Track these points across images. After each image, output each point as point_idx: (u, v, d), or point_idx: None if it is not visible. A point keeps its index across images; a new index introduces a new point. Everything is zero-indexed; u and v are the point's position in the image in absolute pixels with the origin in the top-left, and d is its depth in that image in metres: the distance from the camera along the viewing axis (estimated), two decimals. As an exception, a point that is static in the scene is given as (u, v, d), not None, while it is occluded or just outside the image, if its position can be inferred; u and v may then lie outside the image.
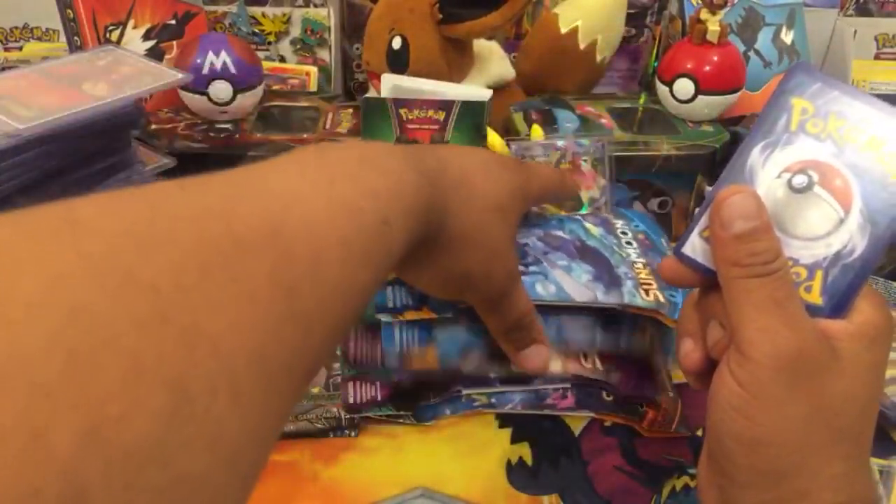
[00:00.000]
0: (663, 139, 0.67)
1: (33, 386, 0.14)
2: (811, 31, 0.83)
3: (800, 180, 0.30)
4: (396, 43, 0.68)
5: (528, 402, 0.48)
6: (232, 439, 0.18)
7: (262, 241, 0.20)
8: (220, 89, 0.68)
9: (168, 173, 0.58)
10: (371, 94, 0.73)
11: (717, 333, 0.32)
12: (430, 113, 0.63)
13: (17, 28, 0.88)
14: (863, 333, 0.29)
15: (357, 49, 0.86)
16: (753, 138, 0.31)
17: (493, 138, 0.62)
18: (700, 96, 0.69)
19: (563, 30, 0.74)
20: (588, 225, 0.49)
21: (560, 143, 0.59)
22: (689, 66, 0.70)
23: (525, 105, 0.72)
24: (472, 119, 0.63)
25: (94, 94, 0.51)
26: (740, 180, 0.31)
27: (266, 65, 0.80)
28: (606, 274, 0.44)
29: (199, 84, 0.68)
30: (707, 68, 0.69)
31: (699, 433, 0.48)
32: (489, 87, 0.70)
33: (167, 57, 0.75)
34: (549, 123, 0.68)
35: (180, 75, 0.56)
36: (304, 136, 0.68)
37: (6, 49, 0.87)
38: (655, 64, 0.88)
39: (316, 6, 0.86)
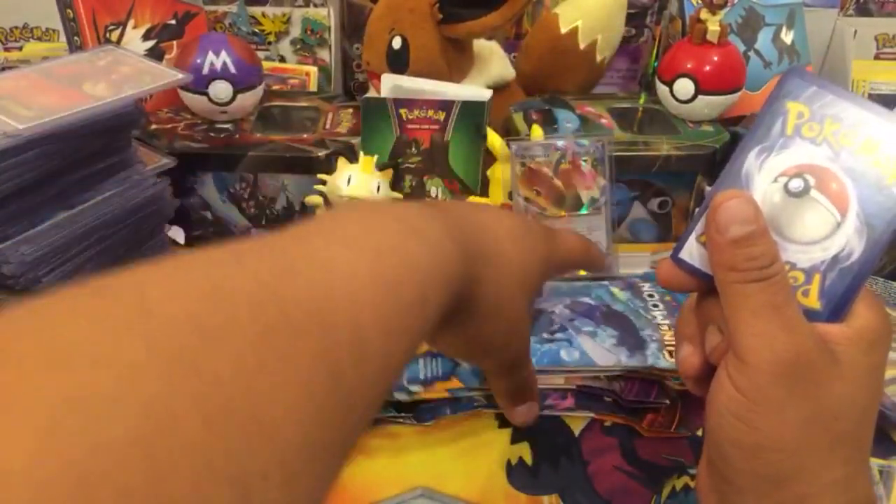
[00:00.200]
0: (663, 139, 0.67)
1: (119, 492, 0.14)
2: (811, 31, 0.82)
3: (796, 184, 0.30)
4: (396, 43, 0.68)
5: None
6: None
7: (310, 321, 0.20)
8: (220, 89, 0.68)
9: (168, 173, 0.58)
10: (371, 94, 0.73)
11: (716, 338, 0.32)
12: (431, 113, 0.63)
13: (17, 28, 0.88)
14: (861, 337, 0.29)
15: (357, 49, 0.86)
16: (749, 143, 0.31)
17: (493, 138, 0.62)
18: (700, 96, 0.69)
19: (564, 30, 0.74)
20: (615, 290, 0.52)
21: (560, 143, 0.59)
22: (689, 66, 0.69)
23: (525, 105, 0.72)
24: (472, 119, 0.63)
25: (95, 94, 0.51)
26: (737, 185, 0.31)
27: (266, 65, 0.80)
28: (631, 337, 0.47)
29: (199, 84, 0.68)
30: (707, 68, 0.69)
31: (699, 433, 0.48)
32: (489, 87, 0.70)
33: (167, 57, 0.75)
34: (549, 123, 0.68)
35: (180, 75, 0.56)
36: (304, 135, 0.68)
37: (6, 49, 0.87)
38: (655, 64, 0.88)
39: (316, 6, 0.86)
